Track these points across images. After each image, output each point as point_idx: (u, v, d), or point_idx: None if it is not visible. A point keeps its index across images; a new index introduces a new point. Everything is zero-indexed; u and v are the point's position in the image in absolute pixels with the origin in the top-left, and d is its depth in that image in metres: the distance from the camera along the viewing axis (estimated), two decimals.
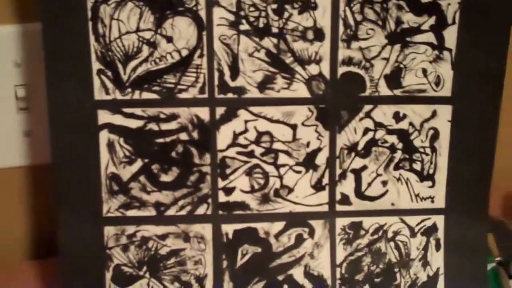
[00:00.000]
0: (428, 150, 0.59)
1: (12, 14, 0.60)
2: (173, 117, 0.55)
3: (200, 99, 0.55)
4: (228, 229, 0.58)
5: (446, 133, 0.58)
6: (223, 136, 0.56)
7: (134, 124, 0.55)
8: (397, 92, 0.57)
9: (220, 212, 0.57)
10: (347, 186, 0.58)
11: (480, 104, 0.58)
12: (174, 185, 0.57)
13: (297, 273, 0.59)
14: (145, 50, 0.54)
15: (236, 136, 0.56)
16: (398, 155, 0.58)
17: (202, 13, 0.54)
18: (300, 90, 0.56)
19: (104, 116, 0.55)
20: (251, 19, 0.54)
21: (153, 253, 0.58)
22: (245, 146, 0.57)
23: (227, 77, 0.55)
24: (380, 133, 0.58)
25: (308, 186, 0.58)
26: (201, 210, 0.57)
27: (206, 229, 0.58)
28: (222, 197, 0.57)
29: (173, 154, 0.56)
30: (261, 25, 0.54)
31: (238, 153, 0.57)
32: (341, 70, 0.56)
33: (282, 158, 0.57)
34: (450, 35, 0.56)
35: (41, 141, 0.62)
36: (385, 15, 0.55)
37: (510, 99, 0.60)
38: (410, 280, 0.60)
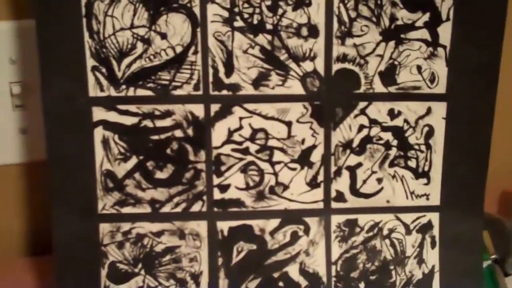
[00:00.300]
0: (423, 147, 0.59)
1: (7, 11, 0.60)
2: (167, 114, 0.55)
3: (194, 96, 0.55)
4: (224, 226, 0.58)
5: (441, 130, 0.58)
6: (218, 133, 0.56)
7: (128, 121, 0.55)
8: (392, 89, 0.57)
9: (215, 209, 0.57)
10: (342, 183, 0.58)
11: (475, 101, 0.58)
12: (169, 182, 0.57)
13: (293, 270, 0.59)
14: (140, 47, 0.54)
15: (231, 133, 0.56)
16: (393, 152, 0.58)
17: (196, 10, 0.54)
18: (294, 87, 0.56)
19: (98, 113, 0.55)
20: (245, 15, 0.54)
21: (149, 250, 0.58)
22: (240, 143, 0.57)
23: (221, 74, 0.55)
24: (375, 130, 0.58)
25: (303, 183, 0.58)
26: (196, 207, 0.57)
27: (201, 226, 0.58)
28: (217, 194, 0.57)
29: (168, 151, 0.56)
30: (255, 21, 0.54)
31: (233, 150, 0.57)
32: (336, 67, 0.56)
33: (277, 155, 0.57)
34: (445, 32, 0.56)
35: (36, 138, 0.62)
36: (379, 11, 0.55)
37: (505, 96, 0.60)
38: (405, 278, 0.60)
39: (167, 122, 0.55)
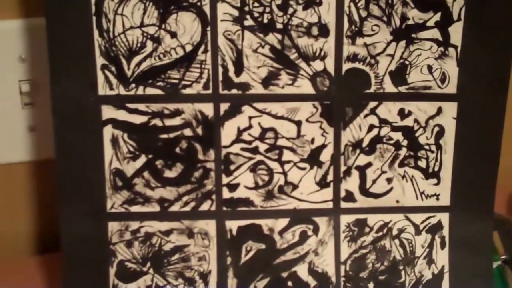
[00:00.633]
0: (433, 148, 0.58)
1: (17, 9, 0.60)
2: (177, 112, 0.55)
3: (204, 94, 0.55)
4: (232, 225, 0.58)
5: (451, 130, 0.58)
6: (227, 132, 0.56)
7: (138, 119, 0.55)
8: (402, 88, 0.57)
9: (224, 208, 0.57)
10: (351, 183, 0.58)
11: (485, 101, 0.58)
12: (178, 181, 0.56)
13: (301, 270, 0.59)
14: (149, 46, 0.54)
15: (240, 132, 0.56)
16: (403, 152, 0.58)
17: (206, 9, 0.53)
18: (304, 86, 0.56)
19: (108, 112, 0.55)
20: (256, 14, 0.54)
21: (157, 249, 0.57)
22: (249, 143, 0.56)
23: (231, 73, 0.55)
24: (385, 130, 0.57)
25: (313, 182, 0.58)
26: (205, 206, 0.57)
27: (210, 225, 0.57)
28: (226, 194, 0.57)
29: (177, 150, 0.56)
30: (265, 20, 0.54)
31: (242, 149, 0.56)
32: (346, 66, 0.56)
33: (287, 155, 0.57)
34: (456, 32, 0.56)
35: (45, 136, 0.62)
36: (390, 11, 0.55)
37: None
38: (414, 278, 0.60)
39: (176, 121, 0.55)
